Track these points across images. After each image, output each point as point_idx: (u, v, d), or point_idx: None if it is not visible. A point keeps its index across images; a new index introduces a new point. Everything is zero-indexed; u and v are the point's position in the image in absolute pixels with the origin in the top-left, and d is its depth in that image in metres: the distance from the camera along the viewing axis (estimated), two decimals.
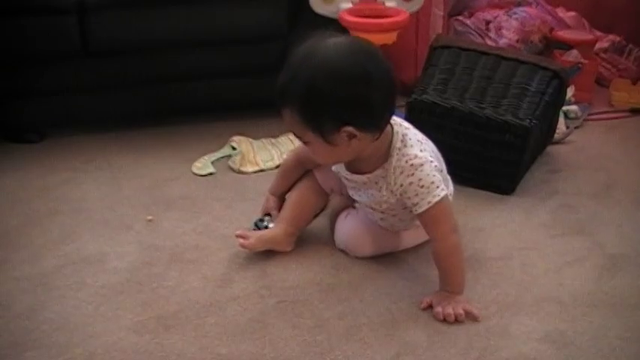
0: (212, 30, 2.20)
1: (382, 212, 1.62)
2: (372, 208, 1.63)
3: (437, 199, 1.49)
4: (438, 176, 1.51)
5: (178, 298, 1.56)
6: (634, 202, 1.95)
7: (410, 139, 1.53)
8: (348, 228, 1.70)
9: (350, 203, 1.75)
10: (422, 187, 1.49)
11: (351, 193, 1.66)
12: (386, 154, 1.52)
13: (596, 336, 1.44)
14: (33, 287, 1.58)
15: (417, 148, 1.52)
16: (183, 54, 2.24)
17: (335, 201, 1.79)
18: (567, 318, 1.49)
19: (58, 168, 2.11)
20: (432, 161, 1.52)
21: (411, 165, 1.49)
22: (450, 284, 1.52)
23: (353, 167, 1.59)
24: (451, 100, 1.92)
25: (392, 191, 1.53)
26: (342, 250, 1.71)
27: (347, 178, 1.61)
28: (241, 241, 1.66)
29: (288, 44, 2.28)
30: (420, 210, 1.50)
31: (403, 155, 1.51)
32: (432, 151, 1.56)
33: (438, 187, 1.49)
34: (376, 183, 1.55)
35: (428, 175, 1.49)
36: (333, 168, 1.63)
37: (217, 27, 2.20)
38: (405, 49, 2.40)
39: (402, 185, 1.51)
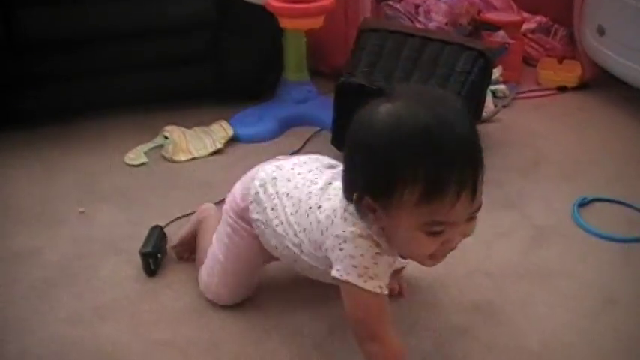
0: (140, 20, 2.19)
1: None
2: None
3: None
4: None
5: (113, 288, 1.56)
6: (560, 177, 2.01)
7: None
8: None
9: None
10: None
11: None
12: None
13: (524, 303, 1.50)
14: None
15: None
16: (112, 46, 2.22)
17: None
18: (495, 288, 1.53)
19: None
20: None
21: None
22: None
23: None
24: (378, 81, 1.94)
25: None
26: None
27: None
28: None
29: (217, 33, 2.29)
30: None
31: None
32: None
33: None
34: None
35: None
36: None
37: (145, 17, 2.19)
38: (334, 34, 2.42)
39: None
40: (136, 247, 1.66)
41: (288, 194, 1.34)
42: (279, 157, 1.48)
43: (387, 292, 1.21)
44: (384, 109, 1.12)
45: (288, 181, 1.36)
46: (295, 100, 2.29)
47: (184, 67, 2.30)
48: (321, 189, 1.30)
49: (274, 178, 1.38)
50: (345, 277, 1.19)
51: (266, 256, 1.44)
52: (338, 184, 1.26)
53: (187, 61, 2.29)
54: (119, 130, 2.25)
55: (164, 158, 2.09)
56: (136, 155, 2.09)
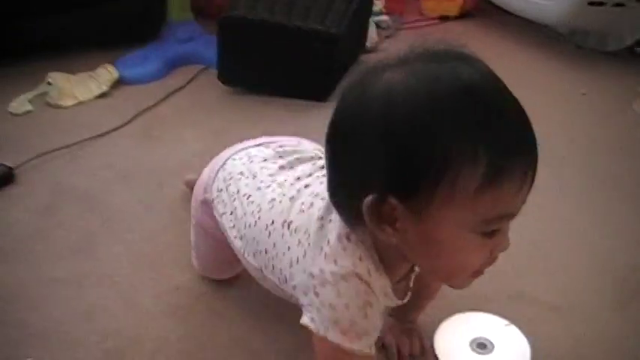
0: None
1: None
2: None
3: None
4: None
5: (3, 232, 1.54)
6: None
7: None
8: None
9: None
10: None
11: None
12: None
13: None
14: None
15: None
16: None
17: None
18: None
19: None
20: None
21: None
22: None
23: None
24: (261, 14, 1.96)
25: None
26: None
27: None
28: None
29: None
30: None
31: None
32: None
33: None
34: None
35: None
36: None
37: None
38: None
39: None
40: (24, 192, 1.66)
41: (249, 196, 1.04)
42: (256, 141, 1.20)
43: (374, 350, 0.90)
44: (391, 77, 0.79)
45: (254, 177, 1.06)
46: (180, 40, 2.29)
47: (67, 12, 2.24)
48: (292, 197, 0.97)
49: (241, 173, 1.10)
50: (323, 334, 0.87)
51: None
52: (315, 189, 0.95)
53: (70, 5, 2.23)
54: (0, 79, 2.19)
55: (49, 104, 2.05)
56: (20, 103, 2.04)
